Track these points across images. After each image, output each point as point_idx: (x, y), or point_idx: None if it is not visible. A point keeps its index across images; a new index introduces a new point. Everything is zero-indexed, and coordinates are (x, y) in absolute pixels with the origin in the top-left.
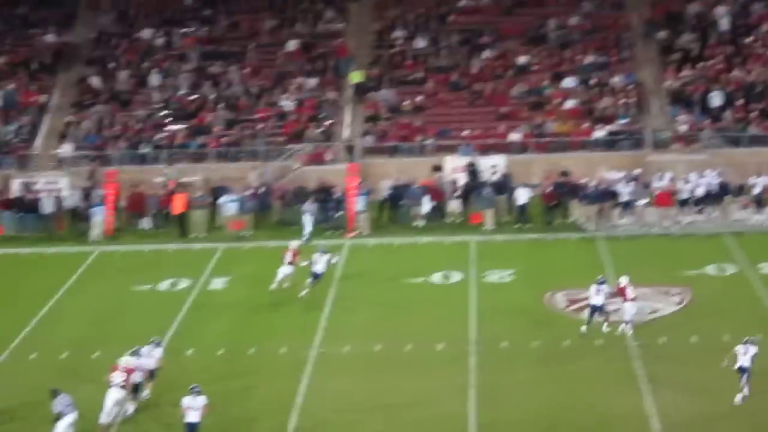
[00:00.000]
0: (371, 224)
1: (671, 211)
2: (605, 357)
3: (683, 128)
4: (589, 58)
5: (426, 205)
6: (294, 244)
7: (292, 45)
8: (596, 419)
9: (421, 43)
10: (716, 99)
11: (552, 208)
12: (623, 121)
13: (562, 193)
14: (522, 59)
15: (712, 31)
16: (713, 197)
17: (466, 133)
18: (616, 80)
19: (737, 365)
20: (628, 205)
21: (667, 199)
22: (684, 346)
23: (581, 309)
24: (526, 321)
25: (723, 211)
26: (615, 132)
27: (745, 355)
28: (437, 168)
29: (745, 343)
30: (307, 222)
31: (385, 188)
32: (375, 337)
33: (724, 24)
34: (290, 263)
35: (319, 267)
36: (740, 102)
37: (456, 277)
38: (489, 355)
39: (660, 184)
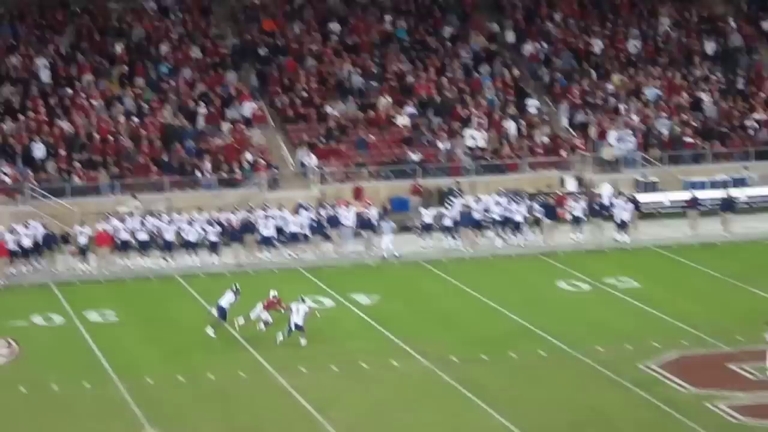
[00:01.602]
0: None
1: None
2: None
3: (6, 180)
4: None
5: None
6: None
7: None
8: None
9: None
10: (39, 150)
11: None
12: None
13: None
14: None
15: (34, 82)
16: (39, 248)
17: None
18: None
19: (293, 323)
20: None
21: None
22: (13, 397)
23: None
24: None
25: (49, 261)
26: None
27: (298, 314)
28: None
29: (298, 301)
30: None
31: None
32: None
33: (46, 76)
34: None
35: None
36: (63, 153)
37: None
38: None
39: None
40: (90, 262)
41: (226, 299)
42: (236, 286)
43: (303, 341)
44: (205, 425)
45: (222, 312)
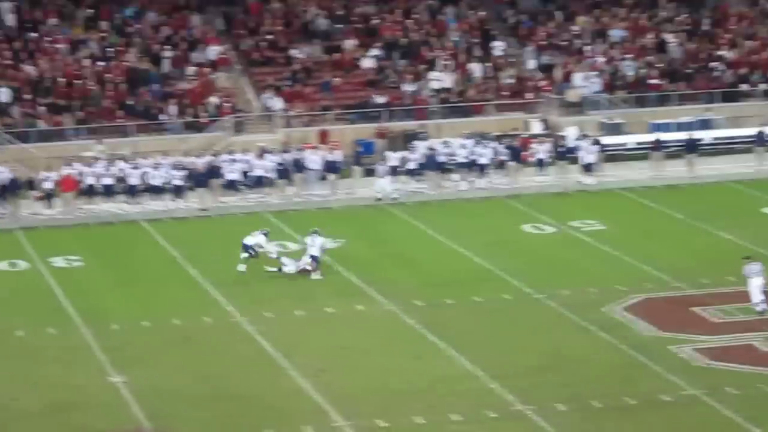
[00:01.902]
0: None
1: None
2: None
3: None
4: None
5: None
6: None
7: None
8: None
9: None
10: (3, 95)
11: None
12: None
13: None
14: None
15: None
16: (3, 193)
17: None
18: None
19: (310, 254)
20: None
21: None
22: None
23: None
24: None
25: (14, 206)
26: None
27: (313, 246)
28: None
29: (311, 234)
30: None
31: None
32: None
33: (11, 19)
34: None
35: None
36: (28, 97)
37: None
38: None
39: None
40: (55, 206)
41: (255, 240)
42: (265, 230)
43: (316, 276)
44: (170, 371)
45: (246, 248)
